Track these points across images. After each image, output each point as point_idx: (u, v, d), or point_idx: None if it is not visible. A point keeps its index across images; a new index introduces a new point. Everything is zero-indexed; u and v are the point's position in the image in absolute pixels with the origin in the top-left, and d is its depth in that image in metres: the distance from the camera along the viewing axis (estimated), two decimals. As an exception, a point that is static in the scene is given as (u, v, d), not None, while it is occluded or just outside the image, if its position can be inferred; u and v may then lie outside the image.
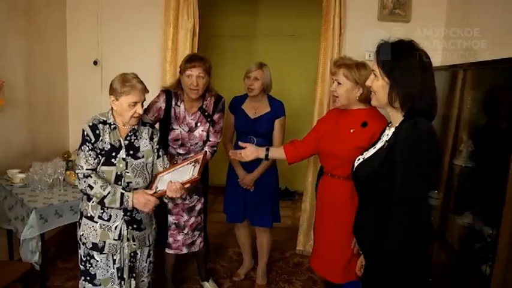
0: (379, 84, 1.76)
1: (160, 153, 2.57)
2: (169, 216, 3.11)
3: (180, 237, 3.15)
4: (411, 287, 1.77)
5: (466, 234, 2.77)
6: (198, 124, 3.02)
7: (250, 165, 3.29)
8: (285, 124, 3.43)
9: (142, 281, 2.64)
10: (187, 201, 3.11)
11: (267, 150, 2.77)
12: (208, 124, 3.04)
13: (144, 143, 2.49)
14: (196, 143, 3.04)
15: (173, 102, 2.99)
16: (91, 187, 2.32)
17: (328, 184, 2.63)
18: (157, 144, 2.56)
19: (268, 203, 3.45)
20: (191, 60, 2.91)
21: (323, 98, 4.02)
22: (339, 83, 2.45)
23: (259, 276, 3.66)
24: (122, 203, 2.32)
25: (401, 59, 1.71)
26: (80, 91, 4.40)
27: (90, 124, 2.40)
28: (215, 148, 3.11)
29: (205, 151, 2.83)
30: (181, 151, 3.05)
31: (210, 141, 3.07)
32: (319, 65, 4.02)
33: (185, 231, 3.15)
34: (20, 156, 3.63)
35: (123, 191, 2.34)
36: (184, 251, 3.19)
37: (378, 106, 1.88)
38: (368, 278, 1.94)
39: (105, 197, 2.31)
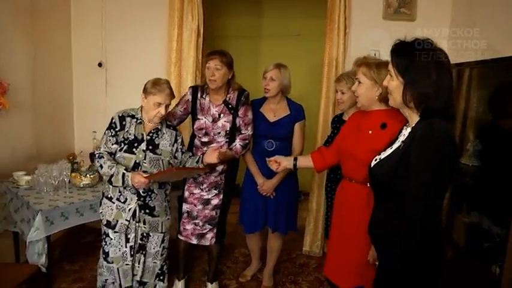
0: (394, 84, 1.75)
1: (184, 150, 2.97)
2: (184, 204, 3.27)
3: (188, 227, 3.25)
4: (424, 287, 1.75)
5: (473, 233, 2.75)
6: (222, 115, 3.17)
7: (270, 170, 3.21)
8: (305, 128, 3.36)
9: (155, 262, 2.95)
10: (204, 193, 3.22)
11: (295, 160, 2.79)
12: (231, 116, 3.17)
13: (164, 144, 2.83)
14: (219, 133, 3.18)
15: (199, 95, 3.21)
16: (101, 167, 2.70)
17: (346, 188, 2.56)
18: (181, 144, 2.93)
19: (285, 209, 3.39)
20: (210, 53, 3.16)
21: (328, 98, 4.01)
22: (360, 82, 2.42)
23: (265, 278, 3.64)
24: (124, 182, 2.64)
25: (415, 59, 1.68)
26: (84, 93, 4.41)
27: (120, 115, 2.79)
28: (247, 141, 3.24)
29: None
30: (205, 139, 3.21)
31: (241, 134, 3.21)
32: (325, 64, 4.01)
33: (196, 222, 3.23)
34: (26, 158, 3.64)
35: (125, 171, 2.65)
36: (194, 241, 3.27)
37: (395, 106, 1.86)
38: (381, 278, 1.93)
39: (112, 176, 2.66)
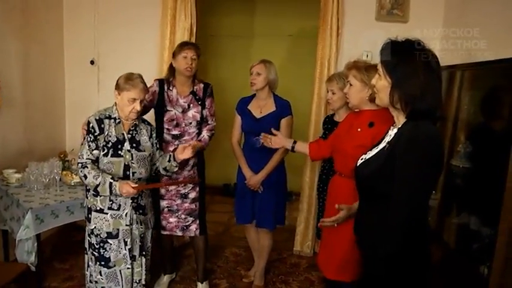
0: (381, 83, 1.73)
1: (157, 146, 2.91)
2: (161, 201, 3.30)
3: (172, 220, 3.31)
4: None
5: (463, 234, 2.76)
6: (191, 106, 3.25)
7: (258, 166, 3.33)
8: (292, 123, 3.38)
9: (148, 258, 2.92)
10: (180, 188, 3.29)
11: (294, 142, 2.89)
12: (199, 107, 3.26)
13: (144, 139, 2.78)
14: (191, 123, 3.25)
15: (166, 88, 3.26)
16: (86, 177, 2.59)
17: (337, 183, 2.66)
18: (155, 139, 2.88)
19: (273, 204, 3.41)
20: (186, 44, 3.30)
21: (320, 98, 4.02)
22: (351, 85, 2.52)
23: (256, 277, 3.64)
24: (111, 191, 2.57)
25: (404, 59, 1.67)
26: (77, 91, 4.39)
27: (97, 118, 2.66)
28: (213, 131, 3.35)
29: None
30: (176, 132, 3.24)
31: (208, 124, 3.31)
32: (317, 65, 4.02)
33: (178, 215, 3.31)
34: (16, 156, 3.61)
35: (112, 181, 2.56)
36: (179, 233, 3.36)
37: (382, 106, 1.86)
38: (365, 280, 1.93)
39: (97, 185, 2.57)
